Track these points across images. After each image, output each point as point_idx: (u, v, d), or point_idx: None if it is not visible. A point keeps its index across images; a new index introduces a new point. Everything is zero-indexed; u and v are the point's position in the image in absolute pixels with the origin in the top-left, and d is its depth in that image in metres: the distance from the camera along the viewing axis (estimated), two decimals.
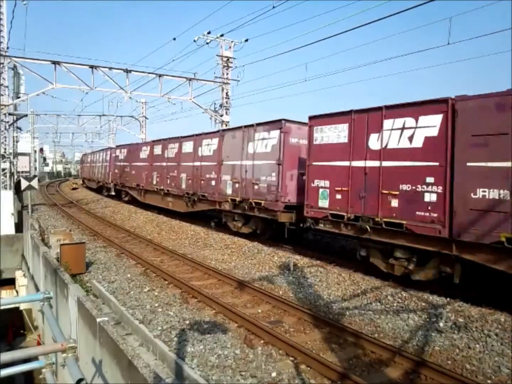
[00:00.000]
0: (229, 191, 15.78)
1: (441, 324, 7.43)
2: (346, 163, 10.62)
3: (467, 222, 8.09)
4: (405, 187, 9.17)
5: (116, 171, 31.33)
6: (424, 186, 8.79)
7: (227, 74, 23.87)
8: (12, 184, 20.81)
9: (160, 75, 22.01)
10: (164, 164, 21.99)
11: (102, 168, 36.80)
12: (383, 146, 9.71)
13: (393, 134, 9.50)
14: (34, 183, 19.11)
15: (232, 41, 23.46)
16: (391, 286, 9.46)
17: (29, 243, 13.07)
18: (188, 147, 19.50)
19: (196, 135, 18.82)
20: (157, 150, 23.24)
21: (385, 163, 9.66)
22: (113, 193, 32.20)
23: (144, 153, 25.39)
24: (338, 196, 10.82)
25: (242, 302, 9.08)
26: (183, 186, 19.55)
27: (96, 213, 24.59)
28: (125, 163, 29.17)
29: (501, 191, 7.61)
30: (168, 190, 21.25)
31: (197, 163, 18.48)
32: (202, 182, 17.80)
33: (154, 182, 23.23)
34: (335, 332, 7.30)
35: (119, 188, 30.77)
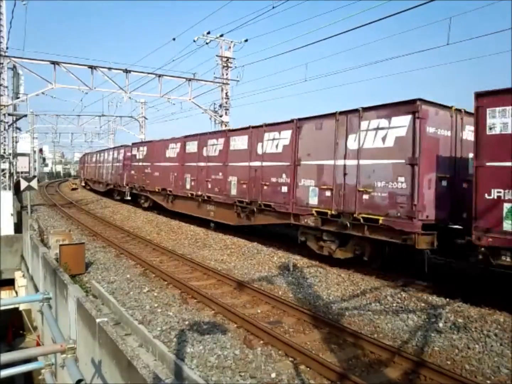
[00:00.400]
0: (313, 201, 11.82)
1: (440, 325, 7.43)
2: None
3: None
4: None
5: (133, 172, 26.97)
6: None
7: (226, 74, 23.87)
8: (11, 184, 20.79)
9: (159, 75, 22.01)
10: (203, 164, 17.97)
11: (113, 169, 32.66)
12: None
13: None
14: (34, 183, 19.08)
15: (231, 41, 23.47)
16: (391, 287, 9.48)
17: (29, 244, 13.07)
18: (239, 143, 15.51)
19: (254, 127, 14.82)
20: (191, 147, 19.21)
21: None
22: (128, 198, 27.60)
23: (172, 151, 21.25)
24: None
25: (241, 303, 9.08)
26: (233, 192, 15.60)
27: (95, 214, 24.60)
28: (145, 163, 24.93)
29: None
30: (209, 197, 17.23)
31: (255, 163, 14.48)
32: (265, 187, 13.79)
33: (188, 186, 19.12)
34: (335, 333, 7.30)
35: (137, 192, 26.26)
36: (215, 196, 16.83)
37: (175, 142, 21.13)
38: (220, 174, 16.64)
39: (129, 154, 28.68)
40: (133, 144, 28.66)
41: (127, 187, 27.86)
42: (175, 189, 20.50)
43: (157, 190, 22.50)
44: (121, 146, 31.94)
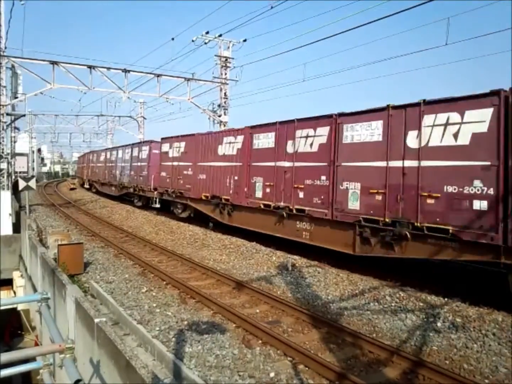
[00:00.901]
0: None
1: (439, 324, 7.45)
2: None
3: None
4: None
5: (164, 174, 22.15)
6: None
7: (225, 74, 23.86)
8: (10, 184, 20.76)
9: (158, 75, 21.99)
10: (287, 164, 13.03)
11: (132, 170, 28.07)
12: None
13: None
14: (32, 183, 19.08)
15: (230, 41, 23.46)
16: (389, 286, 9.49)
17: (27, 244, 13.03)
18: (364, 133, 10.51)
19: (395, 107, 9.83)
20: (264, 141, 14.35)
21: None
22: (157, 206, 23.12)
23: (228, 147, 16.39)
24: None
25: (240, 302, 9.08)
26: (353, 205, 10.67)
27: (94, 213, 24.58)
28: (183, 163, 20.11)
29: None
30: (300, 210, 12.39)
31: (401, 163, 9.53)
32: (429, 201, 8.92)
33: (259, 195, 14.35)
34: (333, 332, 7.31)
35: (171, 199, 21.41)
36: (314, 210, 11.86)
37: (234, 135, 16.10)
38: (323, 178, 11.65)
39: (156, 151, 24.14)
40: (162, 139, 23.43)
41: (155, 193, 23.12)
42: (235, 198, 15.63)
43: (203, 197, 17.71)
44: (145, 142, 27.05)
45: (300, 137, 12.54)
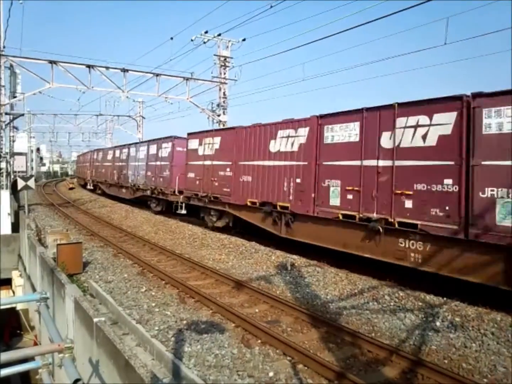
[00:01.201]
0: None
1: (437, 324, 7.46)
2: None
3: None
4: None
5: (193, 175, 19.06)
6: None
7: (224, 73, 23.85)
8: (8, 184, 20.73)
9: (157, 75, 21.96)
10: (381, 163, 10.11)
11: (149, 170, 25.28)
12: None
13: None
14: (31, 183, 19.04)
15: (229, 41, 23.44)
16: (388, 286, 9.49)
17: (26, 243, 13.02)
18: None
19: None
20: (338, 134, 11.38)
21: None
22: (183, 212, 20.10)
23: (284, 142, 13.31)
24: None
25: (239, 302, 9.08)
26: (506, 221, 7.66)
27: (93, 213, 24.56)
28: (218, 162, 17.12)
29: None
30: (407, 225, 9.41)
31: None
32: None
33: (335, 202, 11.28)
34: (332, 332, 7.31)
35: (202, 205, 18.17)
36: (431, 225, 8.79)
37: (293, 127, 13.00)
38: (449, 182, 8.53)
39: (180, 149, 21.70)
40: (189, 134, 20.21)
41: (181, 197, 20.22)
42: (297, 205, 12.62)
43: (249, 203, 14.84)
44: (166, 138, 23.75)
45: (404, 127, 9.47)
